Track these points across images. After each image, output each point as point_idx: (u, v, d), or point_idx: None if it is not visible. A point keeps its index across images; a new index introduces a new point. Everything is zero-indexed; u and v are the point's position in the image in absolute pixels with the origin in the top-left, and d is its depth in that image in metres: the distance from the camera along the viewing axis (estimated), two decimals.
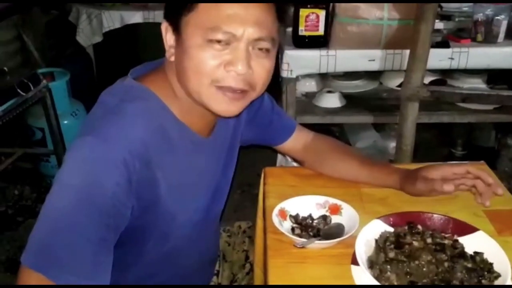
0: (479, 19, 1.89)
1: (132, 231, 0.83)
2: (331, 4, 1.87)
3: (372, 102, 2.22)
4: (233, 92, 0.82)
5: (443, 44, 1.89)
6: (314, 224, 0.96)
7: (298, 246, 0.89)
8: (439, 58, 1.86)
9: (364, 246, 0.85)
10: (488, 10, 1.89)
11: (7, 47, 2.85)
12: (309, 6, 1.84)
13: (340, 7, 1.85)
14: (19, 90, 1.89)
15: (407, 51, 1.75)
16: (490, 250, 0.83)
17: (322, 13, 1.85)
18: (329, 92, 2.24)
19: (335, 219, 0.98)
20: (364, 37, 1.86)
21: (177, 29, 0.82)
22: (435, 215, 0.92)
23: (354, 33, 1.86)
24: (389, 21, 1.84)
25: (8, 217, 2.30)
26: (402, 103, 1.80)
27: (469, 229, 0.89)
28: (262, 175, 1.18)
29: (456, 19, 2.03)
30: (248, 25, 0.78)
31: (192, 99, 0.86)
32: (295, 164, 1.31)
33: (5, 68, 2.02)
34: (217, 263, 1.20)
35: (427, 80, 2.12)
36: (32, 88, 1.95)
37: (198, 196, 0.95)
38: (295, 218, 0.97)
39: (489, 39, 1.90)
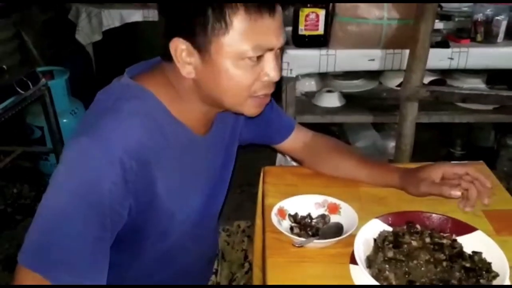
0: (479, 19, 1.90)
1: (130, 230, 0.83)
2: (331, 4, 1.87)
3: (372, 102, 2.22)
4: (265, 97, 0.86)
5: (443, 44, 1.89)
6: (313, 223, 0.96)
7: (297, 245, 0.89)
8: (438, 58, 1.86)
9: (362, 245, 0.85)
10: (488, 10, 1.89)
11: (6, 46, 2.85)
12: (309, 5, 1.84)
13: (340, 6, 1.85)
14: (18, 89, 1.89)
15: (407, 51, 1.76)
16: (489, 249, 0.83)
17: (322, 13, 1.85)
18: (329, 91, 2.24)
19: (334, 218, 0.97)
20: (364, 36, 1.86)
21: (200, 48, 0.79)
22: (433, 215, 0.92)
23: (354, 32, 1.86)
24: (389, 20, 1.84)
25: (7, 215, 2.29)
26: (402, 103, 1.80)
27: (467, 229, 0.89)
28: (262, 174, 1.18)
29: (456, 19, 2.03)
30: (280, 35, 0.81)
31: (207, 103, 0.87)
32: (294, 163, 1.31)
33: (4, 67, 2.01)
34: (216, 262, 1.20)
35: (427, 80, 2.12)
36: (31, 87, 1.95)
37: (195, 194, 0.94)
38: (294, 217, 0.97)
39: (489, 39, 1.91)
